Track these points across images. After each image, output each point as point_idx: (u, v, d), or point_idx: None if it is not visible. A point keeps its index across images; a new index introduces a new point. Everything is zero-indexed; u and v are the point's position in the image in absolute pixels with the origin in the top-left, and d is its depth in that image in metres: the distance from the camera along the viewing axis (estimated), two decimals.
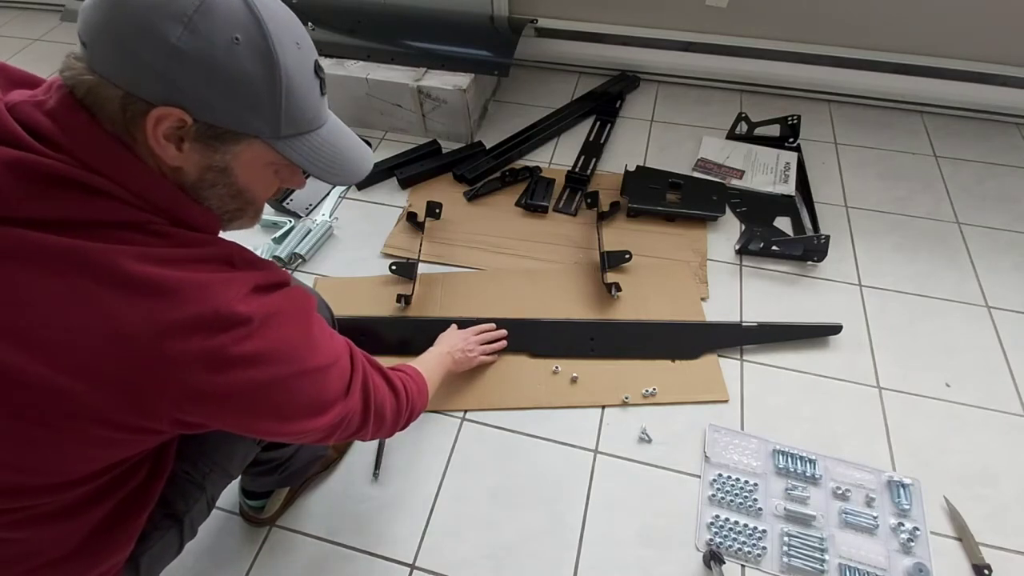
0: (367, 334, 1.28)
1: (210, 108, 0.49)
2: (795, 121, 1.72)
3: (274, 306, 0.54)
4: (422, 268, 1.41)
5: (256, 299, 0.52)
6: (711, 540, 1.01)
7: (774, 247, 1.42)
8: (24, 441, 0.49)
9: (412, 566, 1.00)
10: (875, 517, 1.02)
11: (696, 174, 1.64)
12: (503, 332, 1.25)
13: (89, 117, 0.48)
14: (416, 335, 1.25)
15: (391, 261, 1.39)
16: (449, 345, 1.12)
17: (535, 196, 1.56)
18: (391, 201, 1.62)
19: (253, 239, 1.49)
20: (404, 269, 1.38)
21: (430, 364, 1.01)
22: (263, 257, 0.69)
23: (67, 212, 0.47)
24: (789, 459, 1.09)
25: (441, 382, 1.04)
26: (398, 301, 1.32)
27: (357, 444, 1.14)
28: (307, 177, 0.61)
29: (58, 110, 0.48)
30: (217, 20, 0.46)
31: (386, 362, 0.81)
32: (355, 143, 0.62)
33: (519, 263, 1.44)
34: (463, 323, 1.28)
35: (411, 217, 1.50)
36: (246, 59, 0.48)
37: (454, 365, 1.11)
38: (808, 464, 1.08)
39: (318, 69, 0.55)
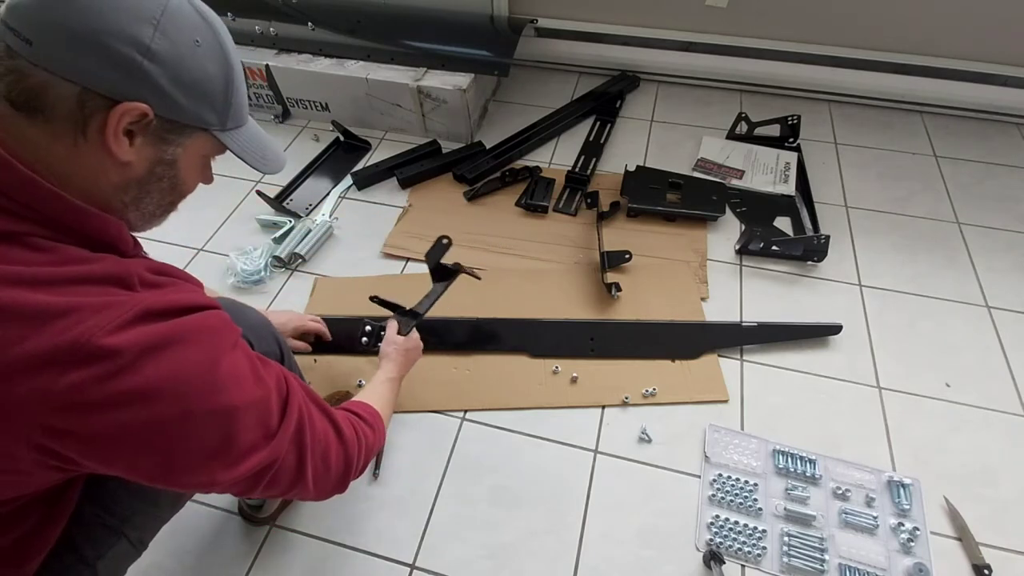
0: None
1: (174, 104, 0.51)
2: (795, 121, 1.72)
3: (163, 336, 0.47)
4: (421, 267, 1.40)
5: (138, 328, 0.46)
6: (711, 540, 1.01)
7: (774, 247, 1.41)
8: None
9: (412, 566, 1.00)
10: (875, 517, 1.02)
11: (696, 174, 1.64)
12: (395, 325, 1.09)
13: None
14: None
15: (372, 295, 1.14)
16: (393, 368, 1.00)
17: (535, 196, 1.56)
18: (391, 201, 1.62)
19: (253, 239, 1.49)
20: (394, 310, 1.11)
21: (382, 396, 0.91)
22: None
23: None
24: (789, 459, 1.09)
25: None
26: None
27: None
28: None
29: None
30: (180, 24, 0.50)
31: None
32: (269, 137, 0.67)
33: (519, 263, 1.44)
34: (464, 323, 1.28)
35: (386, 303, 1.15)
36: (207, 60, 0.53)
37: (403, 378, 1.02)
38: (808, 464, 1.08)
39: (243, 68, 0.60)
